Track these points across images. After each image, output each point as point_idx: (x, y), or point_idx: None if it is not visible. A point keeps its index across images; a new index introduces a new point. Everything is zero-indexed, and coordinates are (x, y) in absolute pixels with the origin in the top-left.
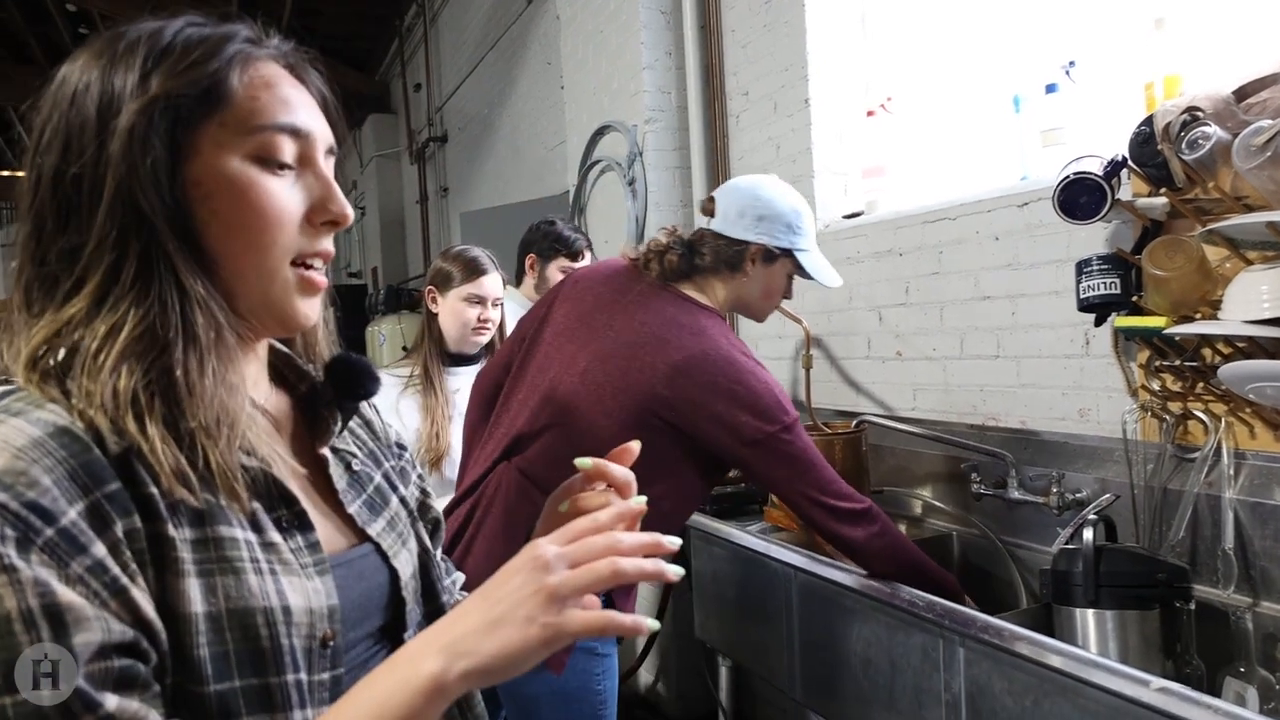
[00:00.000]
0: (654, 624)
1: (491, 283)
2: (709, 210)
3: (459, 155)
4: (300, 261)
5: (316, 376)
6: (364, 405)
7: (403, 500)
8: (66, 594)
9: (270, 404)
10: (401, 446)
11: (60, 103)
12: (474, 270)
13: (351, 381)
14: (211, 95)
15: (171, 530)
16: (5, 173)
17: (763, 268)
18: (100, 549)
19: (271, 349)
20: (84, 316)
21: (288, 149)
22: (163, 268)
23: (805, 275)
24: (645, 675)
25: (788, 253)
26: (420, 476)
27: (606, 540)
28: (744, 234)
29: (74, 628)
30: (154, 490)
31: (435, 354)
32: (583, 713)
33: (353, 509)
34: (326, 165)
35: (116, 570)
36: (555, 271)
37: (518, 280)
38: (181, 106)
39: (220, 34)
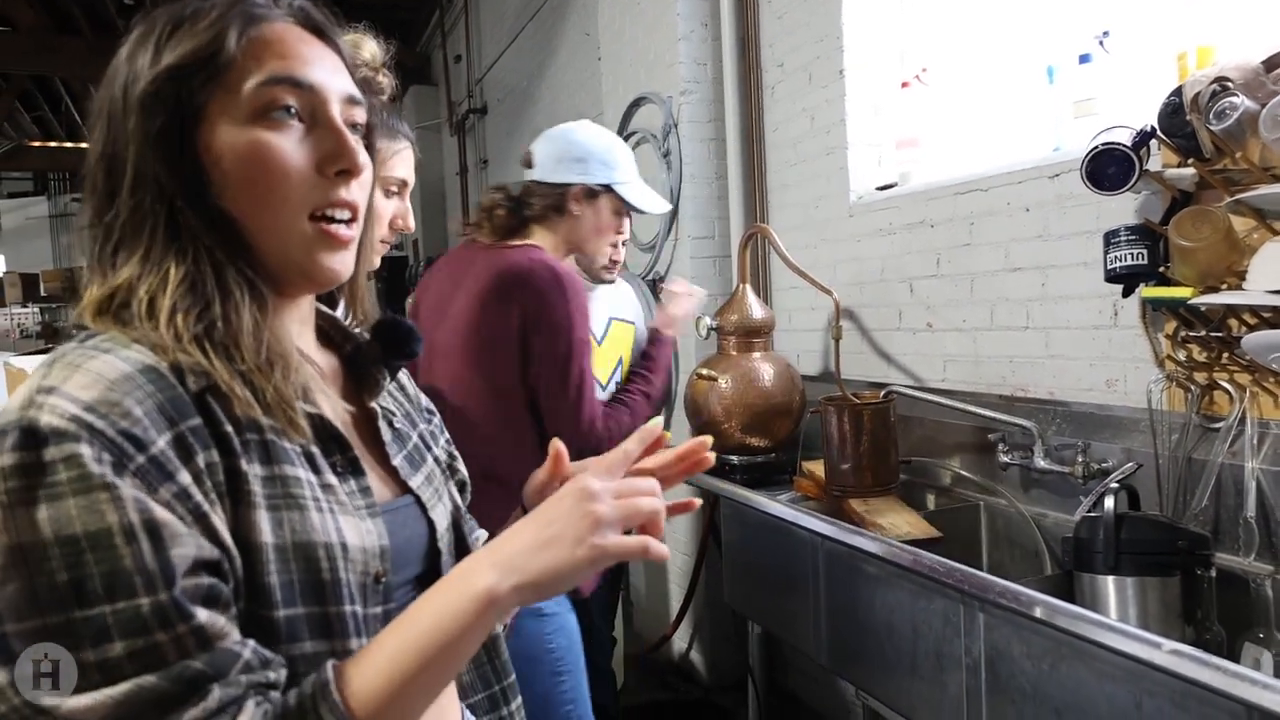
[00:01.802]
0: (666, 551)
1: None
2: (528, 162)
3: (498, 127)
4: (320, 215)
5: (361, 337)
6: (400, 373)
7: (436, 459)
8: (162, 511)
9: (323, 361)
10: (431, 411)
11: (104, 87)
12: None
13: (397, 341)
14: (212, 62)
15: (244, 465)
16: (52, 143)
17: (588, 206)
18: (186, 477)
19: (318, 312)
20: (131, 280)
21: (290, 102)
22: (186, 233)
23: (632, 208)
24: (678, 643)
25: (608, 188)
26: (449, 440)
27: (650, 483)
28: (564, 177)
29: (170, 542)
30: (229, 429)
31: None
32: (541, 672)
33: (396, 461)
34: (345, 116)
35: (199, 497)
36: None
37: None
38: (186, 76)
39: (228, 1)
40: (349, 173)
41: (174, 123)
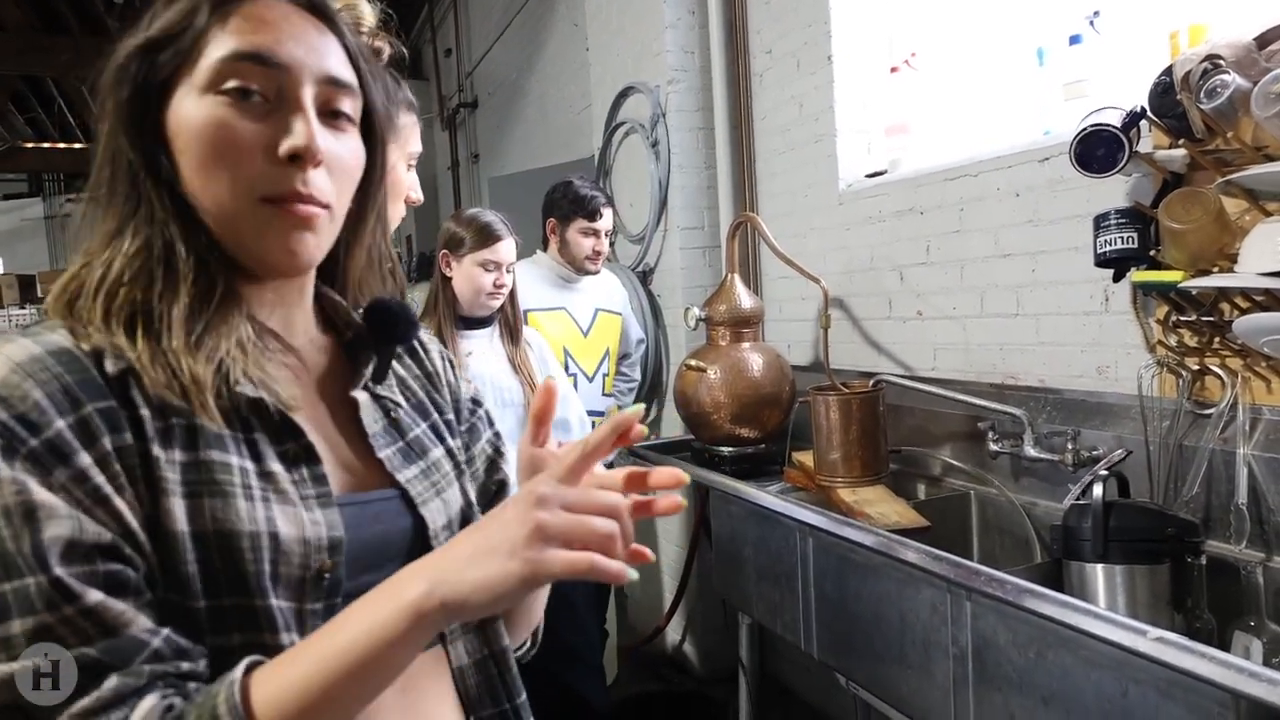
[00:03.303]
0: (634, 575)
1: (506, 248)
2: None
3: (489, 121)
4: (273, 200)
5: (361, 323)
6: (435, 358)
7: (449, 453)
8: (42, 494)
9: (314, 348)
10: (476, 403)
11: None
12: (488, 236)
13: (389, 326)
14: (181, 37)
15: (157, 450)
16: (45, 145)
17: None
18: (85, 459)
19: (324, 295)
20: (97, 252)
21: (254, 80)
22: (146, 207)
23: None
24: (671, 635)
25: None
26: (496, 434)
27: (610, 500)
28: None
29: (45, 522)
30: (145, 413)
31: (449, 317)
32: None
33: (383, 454)
34: (321, 98)
35: (100, 480)
36: (575, 234)
37: (544, 245)
38: (155, 50)
39: None
40: (301, 158)
41: (139, 97)
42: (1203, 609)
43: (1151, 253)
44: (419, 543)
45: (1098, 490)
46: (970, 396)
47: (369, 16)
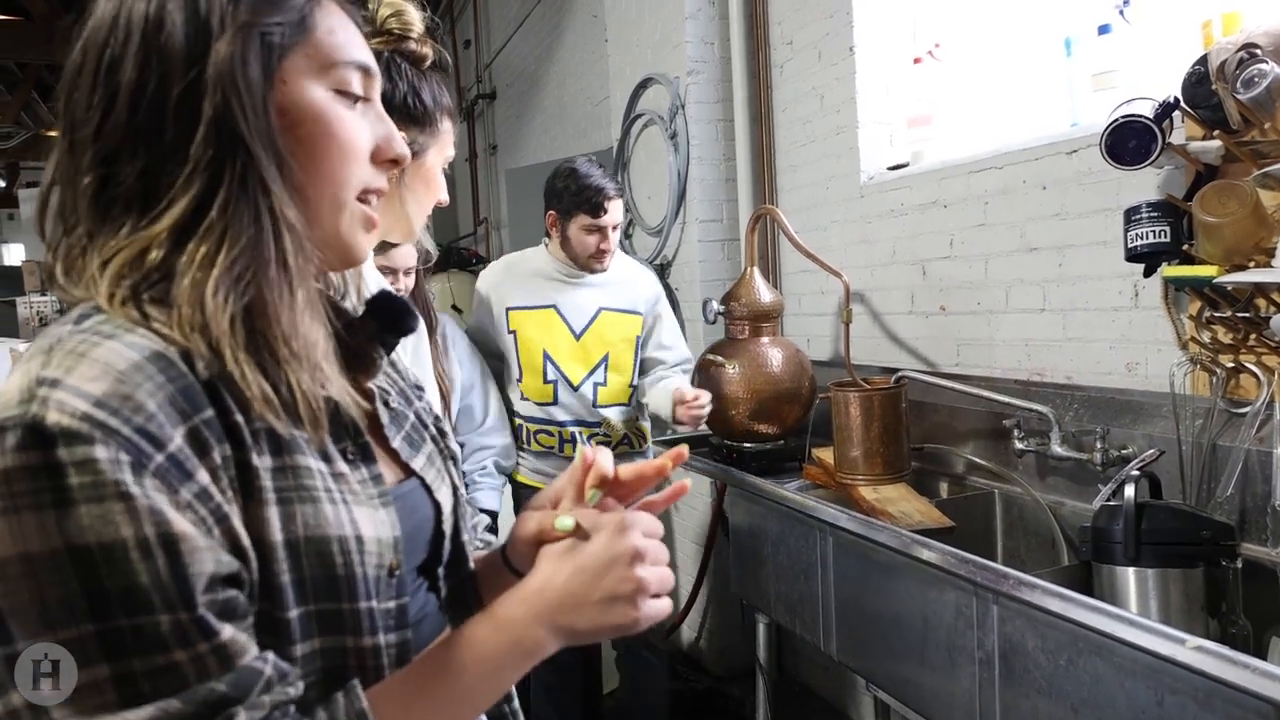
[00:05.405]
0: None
1: (399, 253)
2: None
3: (507, 112)
4: (362, 197)
5: (353, 313)
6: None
7: (433, 438)
8: (180, 523)
9: None
10: (420, 388)
11: (130, 24)
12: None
13: (394, 318)
14: (301, 26)
15: (255, 459)
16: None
17: None
18: (204, 475)
19: None
20: (171, 237)
21: (358, 85)
22: (258, 192)
23: None
24: (688, 632)
25: None
26: (438, 417)
27: (666, 552)
28: None
29: (188, 557)
30: (239, 418)
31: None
32: None
33: (396, 443)
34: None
35: (219, 498)
36: (578, 232)
37: (548, 235)
38: (275, 34)
39: None
40: (398, 164)
41: (259, 75)
42: (1238, 614)
43: (1184, 247)
44: (436, 528)
45: (1129, 491)
46: (995, 393)
47: (418, 23)
